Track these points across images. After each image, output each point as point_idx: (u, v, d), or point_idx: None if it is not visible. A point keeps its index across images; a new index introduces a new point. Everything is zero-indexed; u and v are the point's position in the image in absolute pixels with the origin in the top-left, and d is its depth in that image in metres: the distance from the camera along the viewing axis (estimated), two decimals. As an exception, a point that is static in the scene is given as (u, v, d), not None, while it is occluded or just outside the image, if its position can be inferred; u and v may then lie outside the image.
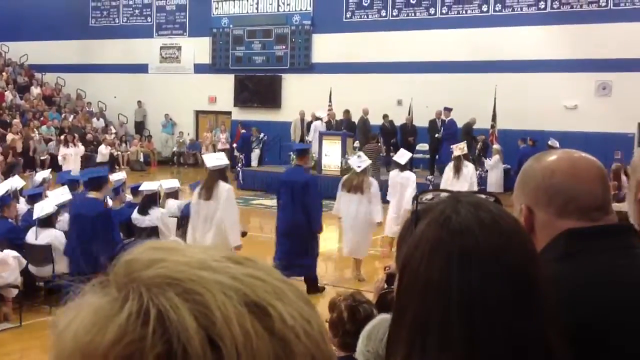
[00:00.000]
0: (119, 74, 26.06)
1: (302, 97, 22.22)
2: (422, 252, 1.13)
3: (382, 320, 2.64)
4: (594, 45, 18.78)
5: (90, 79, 26.78)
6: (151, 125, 26.33)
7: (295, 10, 23.89)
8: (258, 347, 0.53)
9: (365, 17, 22.80)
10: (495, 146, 18.26)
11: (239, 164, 19.54)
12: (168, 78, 25.80)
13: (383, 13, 22.61)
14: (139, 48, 26.25)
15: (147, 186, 9.43)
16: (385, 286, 2.38)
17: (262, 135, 22.83)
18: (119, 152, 23.68)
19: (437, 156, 19.12)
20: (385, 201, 10.73)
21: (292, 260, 8.43)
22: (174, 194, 10.11)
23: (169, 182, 10.46)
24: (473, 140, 18.37)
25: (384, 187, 11.02)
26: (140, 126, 26.58)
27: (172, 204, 9.64)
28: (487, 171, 17.71)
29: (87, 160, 20.72)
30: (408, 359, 1.10)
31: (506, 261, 1.11)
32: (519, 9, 20.55)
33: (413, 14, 22.08)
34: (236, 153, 20.40)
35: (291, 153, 18.72)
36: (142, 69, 26.29)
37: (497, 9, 20.86)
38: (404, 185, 10.80)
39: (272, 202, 15.08)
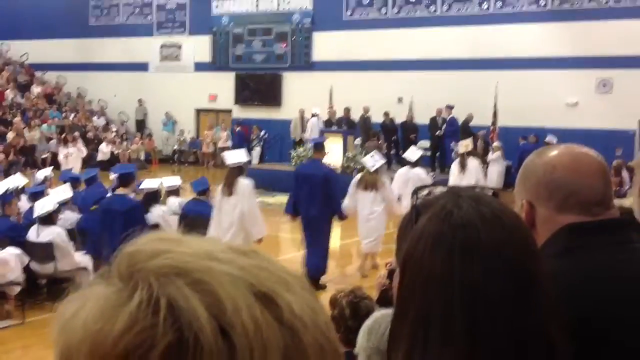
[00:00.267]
0: (120, 73, 26.05)
1: (302, 95, 22.21)
2: (424, 247, 1.13)
3: (383, 315, 2.65)
4: (595, 42, 18.76)
5: (90, 77, 26.77)
6: (152, 123, 26.32)
7: (296, 9, 23.87)
8: (268, 336, 0.54)
9: (366, 15, 22.78)
10: (496, 143, 18.25)
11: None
12: (168, 76, 25.79)
13: (383, 11, 22.59)
14: (140, 46, 26.23)
15: (148, 184, 9.45)
16: (387, 282, 2.38)
17: (262, 133, 22.83)
18: (120, 151, 23.66)
19: (437, 153, 19.16)
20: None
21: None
22: (175, 191, 10.11)
23: (170, 180, 10.45)
24: (472, 137, 18.35)
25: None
26: (141, 124, 26.57)
27: (174, 202, 9.64)
28: (488, 164, 17.65)
29: (88, 159, 20.70)
30: (410, 353, 1.11)
31: (508, 255, 1.11)
32: (519, 7, 20.52)
33: (413, 12, 22.06)
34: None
35: (291, 151, 18.77)
36: (142, 67, 26.28)
37: (497, 6, 20.83)
38: (415, 181, 10.83)
39: (273, 199, 15.16)
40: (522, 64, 19.55)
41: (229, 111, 25.09)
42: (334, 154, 17.66)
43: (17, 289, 7.53)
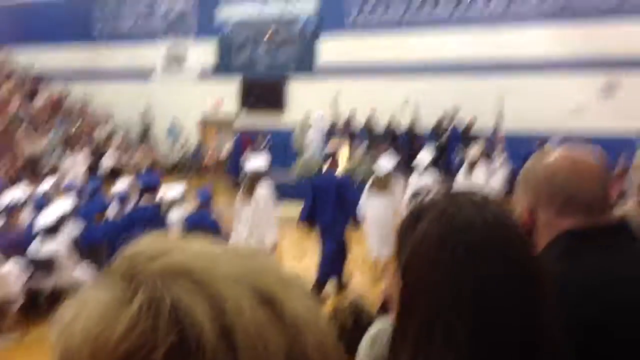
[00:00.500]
0: (124, 80, 26.20)
1: (307, 101, 22.26)
2: (427, 251, 1.13)
3: (386, 323, 2.62)
4: (601, 45, 18.75)
5: (95, 85, 26.91)
6: (156, 131, 26.42)
7: (300, 14, 23.95)
8: (270, 337, 0.54)
9: (370, 21, 22.84)
10: (500, 147, 18.25)
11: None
12: (173, 83, 25.89)
13: (387, 17, 22.64)
14: (144, 54, 26.36)
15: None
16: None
17: (267, 140, 22.88)
18: (124, 159, 23.75)
19: (442, 158, 19.15)
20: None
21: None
22: (178, 202, 9.86)
23: (173, 188, 10.28)
24: (472, 141, 18.37)
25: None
26: (145, 132, 26.66)
27: (177, 216, 9.29)
28: (494, 169, 17.66)
29: (93, 168, 20.79)
30: (414, 357, 1.10)
31: (511, 258, 1.11)
32: (524, 10, 20.52)
33: (418, 17, 22.10)
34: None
35: (293, 163, 18.85)
36: (147, 74, 26.40)
37: (503, 9, 20.86)
38: (424, 187, 10.83)
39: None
40: (528, 68, 19.56)
41: (233, 118, 25.12)
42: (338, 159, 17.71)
43: (17, 305, 7.50)
